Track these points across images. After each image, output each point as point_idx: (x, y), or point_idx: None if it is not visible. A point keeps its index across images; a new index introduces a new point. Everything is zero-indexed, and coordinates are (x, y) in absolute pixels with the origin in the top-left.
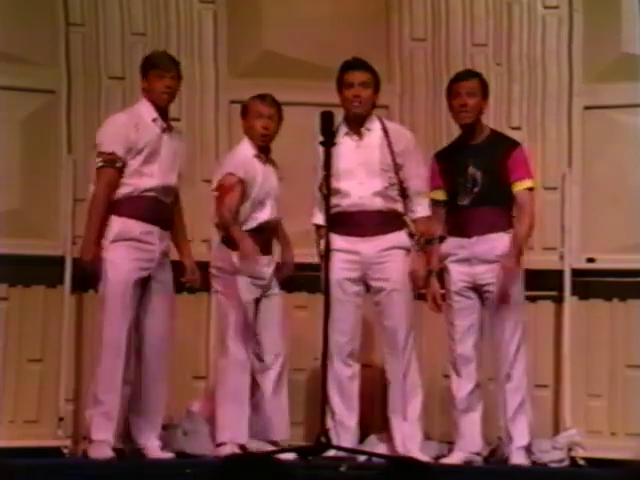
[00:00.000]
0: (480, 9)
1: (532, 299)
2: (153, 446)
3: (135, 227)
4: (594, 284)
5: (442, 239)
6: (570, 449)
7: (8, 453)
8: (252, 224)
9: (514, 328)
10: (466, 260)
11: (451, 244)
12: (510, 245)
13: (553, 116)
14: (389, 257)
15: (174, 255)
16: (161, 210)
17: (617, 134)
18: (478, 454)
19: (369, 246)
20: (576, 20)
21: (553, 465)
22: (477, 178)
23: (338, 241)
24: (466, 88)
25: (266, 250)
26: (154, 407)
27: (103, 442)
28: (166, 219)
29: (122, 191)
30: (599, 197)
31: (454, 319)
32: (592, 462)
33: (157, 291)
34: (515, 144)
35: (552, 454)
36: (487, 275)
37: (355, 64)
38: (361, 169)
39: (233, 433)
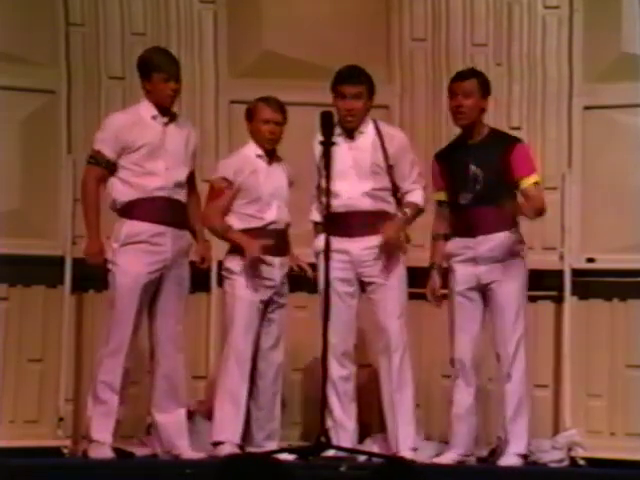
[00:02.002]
0: (480, 9)
1: (532, 299)
2: (184, 446)
3: (144, 229)
4: (594, 284)
5: (447, 237)
6: (570, 449)
7: (8, 453)
8: (258, 224)
9: (514, 327)
10: (472, 260)
11: (456, 244)
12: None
13: (553, 116)
14: (378, 255)
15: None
16: (174, 209)
17: (617, 134)
18: (471, 455)
19: (358, 246)
20: (576, 20)
21: (553, 465)
22: (478, 176)
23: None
24: (462, 88)
25: (276, 252)
26: (175, 408)
27: (103, 442)
28: (181, 218)
29: (132, 193)
30: (599, 197)
31: (455, 319)
32: (592, 462)
33: (169, 291)
34: (516, 140)
35: (552, 454)
36: (491, 274)
37: (347, 76)
38: (352, 171)
39: (229, 433)
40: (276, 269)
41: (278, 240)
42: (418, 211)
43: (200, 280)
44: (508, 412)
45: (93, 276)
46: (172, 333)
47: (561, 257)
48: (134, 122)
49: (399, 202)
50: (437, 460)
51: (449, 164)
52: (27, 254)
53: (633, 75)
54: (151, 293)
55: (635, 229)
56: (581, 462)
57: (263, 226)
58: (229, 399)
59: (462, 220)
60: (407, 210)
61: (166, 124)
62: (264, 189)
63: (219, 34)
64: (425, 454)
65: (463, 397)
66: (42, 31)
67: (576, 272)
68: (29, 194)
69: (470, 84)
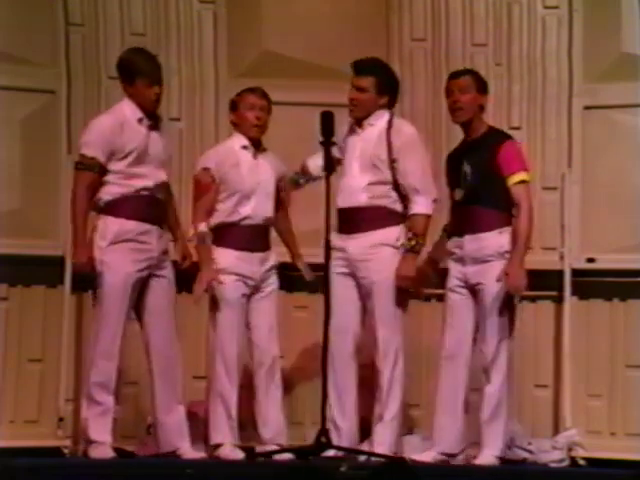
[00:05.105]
0: (480, 9)
1: (532, 299)
2: (185, 447)
3: (133, 227)
4: (594, 284)
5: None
6: (570, 449)
7: (8, 453)
8: (234, 218)
9: (495, 329)
10: (460, 259)
11: (451, 243)
12: (511, 251)
13: (553, 116)
14: (374, 255)
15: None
16: (158, 208)
17: (617, 134)
18: (452, 455)
19: (355, 243)
20: (576, 20)
21: (553, 465)
22: (468, 173)
23: (332, 238)
24: (458, 85)
25: (254, 247)
26: (175, 406)
27: (103, 443)
28: (163, 217)
29: (118, 191)
30: (599, 197)
31: (447, 316)
32: (592, 462)
33: (158, 290)
34: (504, 139)
35: (552, 454)
36: (477, 275)
37: (356, 67)
38: (356, 163)
39: (224, 434)
40: (255, 266)
41: (254, 236)
42: (426, 221)
43: None
44: (484, 415)
45: (93, 276)
46: (165, 330)
47: (561, 257)
48: (121, 125)
49: (403, 199)
50: (417, 458)
51: (451, 162)
52: (27, 254)
53: (633, 75)
54: (137, 292)
55: (635, 229)
56: (581, 462)
57: (237, 221)
58: (220, 401)
59: (454, 219)
60: (412, 239)
61: (150, 127)
62: (245, 183)
63: (219, 34)
64: (408, 449)
65: (448, 396)
66: (42, 31)
67: (576, 272)
68: (29, 194)
69: (465, 80)
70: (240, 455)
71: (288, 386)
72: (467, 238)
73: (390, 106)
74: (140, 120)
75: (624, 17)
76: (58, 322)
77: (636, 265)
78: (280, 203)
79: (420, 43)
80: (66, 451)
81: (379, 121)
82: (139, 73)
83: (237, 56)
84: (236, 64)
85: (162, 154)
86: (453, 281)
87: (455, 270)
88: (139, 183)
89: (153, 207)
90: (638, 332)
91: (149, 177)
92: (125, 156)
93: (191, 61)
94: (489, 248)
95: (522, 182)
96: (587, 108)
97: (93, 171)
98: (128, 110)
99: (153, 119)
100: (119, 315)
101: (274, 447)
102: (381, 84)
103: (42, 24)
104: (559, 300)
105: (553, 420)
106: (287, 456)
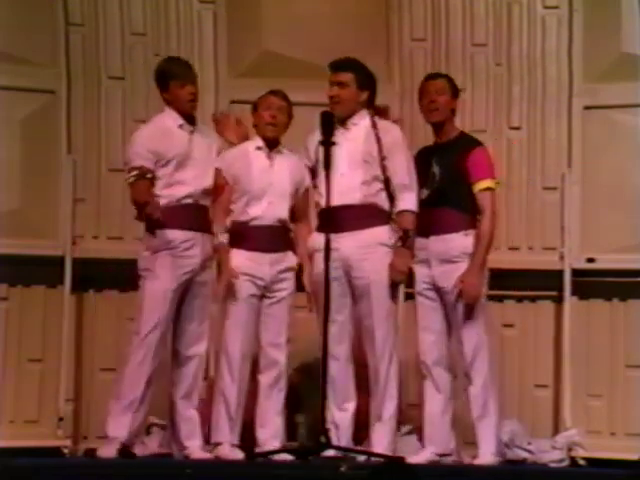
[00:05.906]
0: (480, 9)
1: (532, 299)
2: (194, 446)
3: (176, 236)
4: (594, 284)
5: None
6: (570, 449)
7: (8, 453)
8: (244, 218)
9: (470, 329)
10: (425, 261)
11: (416, 245)
12: (470, 260)
13: (553, 116)
14: (367, 255)
15: None
16: (201, 215)
17: (617, 134)
18: (445, 455)
19: (347, 242)
20: (576, 20)
21: (553, 465)
22: (436, 175)
23: (319, 238)
24: (434, 86)
25: (265, 248)
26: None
27: (115, 439)
28: (207, 223)
29: (161, 202)
30: (599, 197)
31: (418, 319)
32: (592, 462)
33: (196, 296)
34: (475, 145)
35: (552, 454)
36: (444, 276)
37: (333, 64)
38: (344, 162)
39: (224, 434)
40: (266, 267)
41: (266, 237)
42: (415, 218)
43: None
44: (474, 415)
45: (93, 276)
46: (196, 336)
47: (561, 257)
48: (162, 133)
49: (391, 198)
50: (413, 460)
51: (419, 163)
52: (27, 254)
53: (633, 75)
54: (178, 298)
55: (635, 229)
56: (581, 462)
57: (246, 221)
58: (222, 400)
59: (420, 220)
60: (403, 235)
61: (192, 132)
62: (255, 184)
63: (219, 34)
64: (403, 451)
65: (432, 398)
66: (42, 31)
67: (576, 272)
68: (29, 194)
69: (442, 83)
70: (239, 455)
71: (288, 386)
72: (432, 239)
73: (369, 104)
74: (181, 126)
75: (624, 17)
76: (58, 322)
77: (636, 265)
78: (298, 210)
79: (420, 43)
80: (66, 451)
81: (362, 121)
82: (171, 76)
83: (237, 56)
84: (236, 64)
85: (207, 159)
86: (420, 285)
87: (421, 273)
88: (181, 191)
89: (197, 215)
90: (638, 332)
91: (191, 184)
92: (168, 162)
93: (191, 61)
94: (455, 249)
95: (488, 189)
96: (587, 108)
97: (145, 178)
98: (169, 119)
99: (194, 124)
100: (159, 320)
101: (274, 447)
102: (361, 79)
103: (42, 24)
104: (559, 300)
105: (553, 420)
106: (287, 456)
